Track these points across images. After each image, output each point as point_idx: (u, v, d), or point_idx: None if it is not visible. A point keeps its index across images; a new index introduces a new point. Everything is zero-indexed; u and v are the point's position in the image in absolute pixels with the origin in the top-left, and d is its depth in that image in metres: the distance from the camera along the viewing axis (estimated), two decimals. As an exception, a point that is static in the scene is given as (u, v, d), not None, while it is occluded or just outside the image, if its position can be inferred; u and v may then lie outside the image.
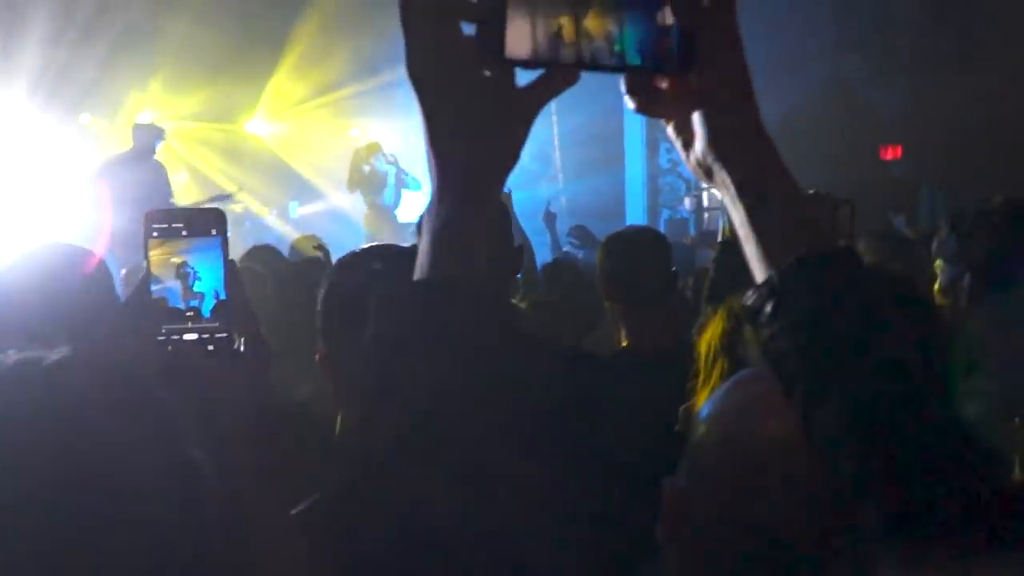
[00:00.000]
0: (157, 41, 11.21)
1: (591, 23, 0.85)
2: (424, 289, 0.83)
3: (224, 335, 1.21)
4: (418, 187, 9.50)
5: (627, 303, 3.00)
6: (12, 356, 0.79)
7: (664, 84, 0.90)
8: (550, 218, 6.70)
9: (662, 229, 10.62)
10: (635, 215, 11.41)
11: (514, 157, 0.86)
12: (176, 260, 1.21)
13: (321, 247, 4.57)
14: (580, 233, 6.82)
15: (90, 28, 10.54)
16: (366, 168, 9.59)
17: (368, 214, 9.63)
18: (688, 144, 0.91)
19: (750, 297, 0.87)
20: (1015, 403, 1.95)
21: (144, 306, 1.18)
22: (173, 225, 1.22)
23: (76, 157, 9.84)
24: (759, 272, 0.88)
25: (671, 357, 2.72)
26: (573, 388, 1.86)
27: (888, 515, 0.79)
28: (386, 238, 9.59)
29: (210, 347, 1.21)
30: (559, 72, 0.85)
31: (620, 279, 3.01)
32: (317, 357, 1.69)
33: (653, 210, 11.71)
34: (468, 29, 0.84)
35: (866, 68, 10.05)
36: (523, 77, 0.86)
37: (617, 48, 0.86)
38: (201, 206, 1.44)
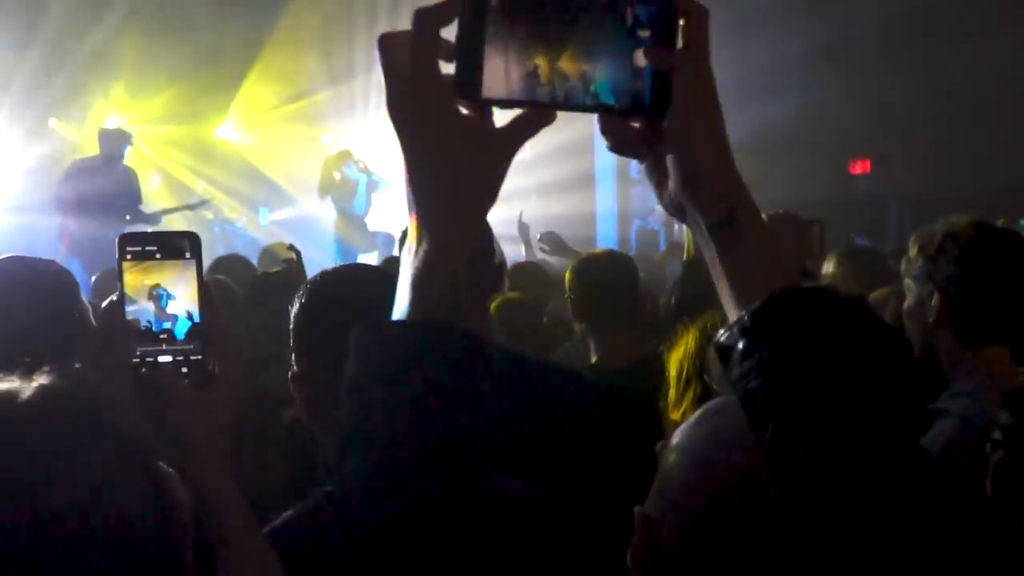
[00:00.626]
0: (127, 46, 11.12)
1: (566, 64, 0.86)
2: (405, 330, 0.84)
3: (199, 357, 1.21)
4: (387, 186, 9.50)
5: (594, 323, 3.06)
6: None
7: (637, 124, 0.92)
8: (524, 228, 6.73)
9: (632, 239, 10.70)
10: (606, 224, 11.47)
11: (492, 197, 0.87)
12: (149, 282, 1.21)
13: (293, 249, 4.55)
14: (551, 239, 6.85)
15: (61, 33, 10.44)
16: (337, 176, 9.57)
17: (339, 222, 9.61)
18: (661, 183, 0.92)
19: (722, 335, 0.89)
20: (982, 424, 1.97)
21: (118, 327, 1.18)
22: (147, 248, 1.22)
23: (44, 162, 9.72)
24: (730, 310, 0.90)
25: (639, 374, 2.76)
26: (548, 413, 1.86)
27: (859, 555, 0.81)
28: (356, 246, 9.60)
29: (184, 369, 1.21)
30: (535, 112, 0.86)
31: (587, 302, 3.08)
32: (290, 374, 1.68)
33: (624, 219, 11.77)
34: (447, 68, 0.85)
35: (834, 84, 10.17)
36: (500, 117, 0.87)
37: (592, 88, 0.87)
38: (176, 230, 1.46)
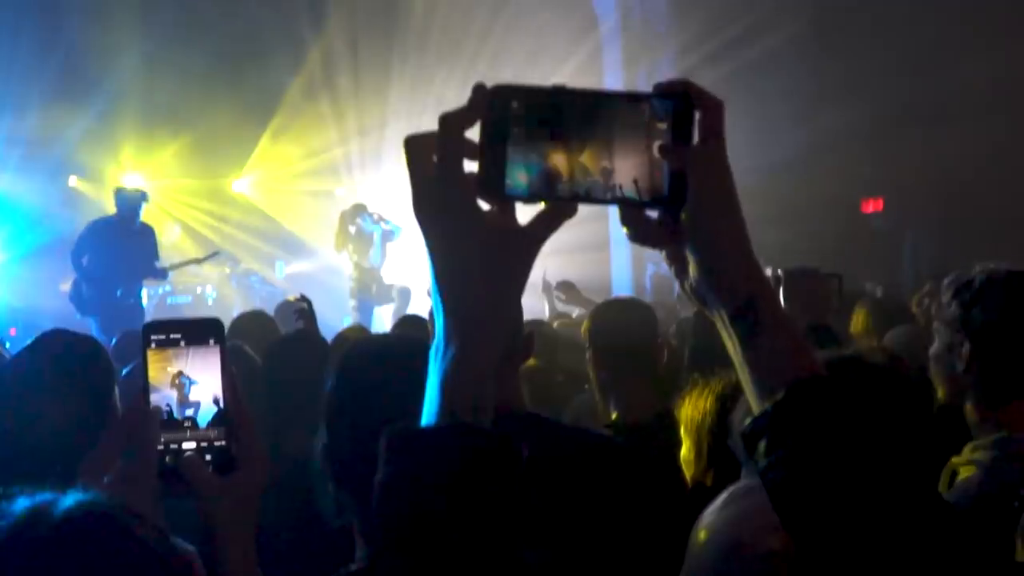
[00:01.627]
0: (146, 102, 11.33)
1: (587, 159, 0.88)
2: (433, 437, 0.84)
3: (222, 443, 1.22)
4: (401, 232, 9.55)
5: (615, 376, 3.01)
6: (21, 503, 0.80)
7: (657, 215, 0.92)
8: (547, 287, 6.76)
9: (647, 284, 10.68)
10: (620, 269, 11.46)
11: (518, 295, 0.88)
12: (173, 370, 1.22)
13: (303, 299, 4.60)
14: (566, 288, 6.88)
15: (82, 88, 10.66)
16: (352, 229, 9.63)
17: (355, 274, 9.65)
18: (682, 272, 0.93)
19: (747, 427, 0.89)
20: (1007, 479, 1.95)
21: (143, 418, 1.19)
22: (171, 336, 1.23)
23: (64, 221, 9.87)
24: (753, 399, 0.90)
25: (661, 427, 2.73)
26: (577, 482, 1.85)
27: None
28: (373, 299, 9.64)
29: (208, 456, 1.22)
30: (557, 207, 0.88)
31: (607, 354, 3.03)
32: (320, 445, 1.70)
33: (638, 264, 11.76)
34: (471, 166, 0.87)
35: (845, 122, 10.21)
36: (523, 213, 0.88)
37: (612, 182, 0.89)
38: (200, 317, 1.48)
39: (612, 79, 11.47)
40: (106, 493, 0.88)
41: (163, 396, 1.22)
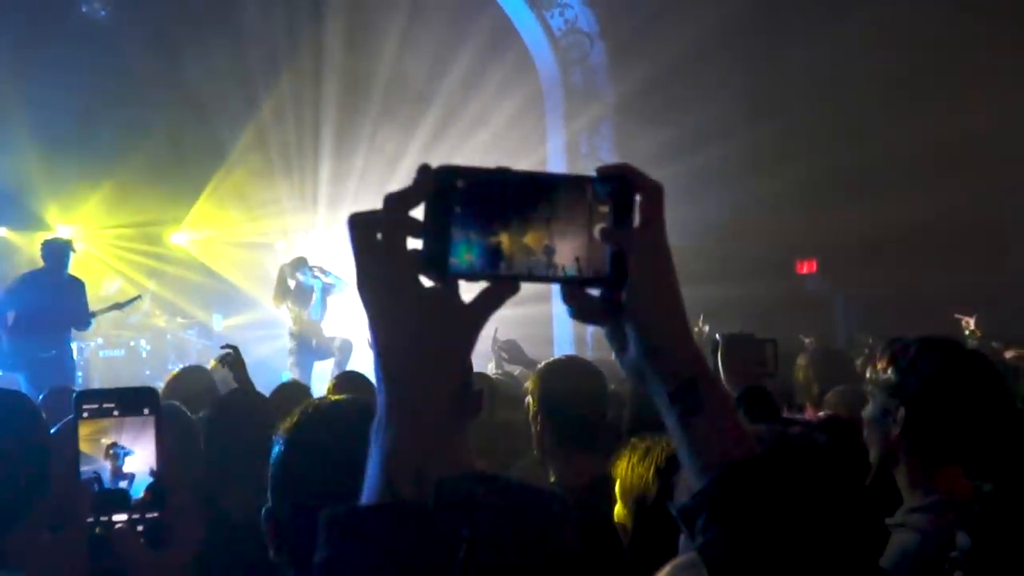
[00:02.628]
0: (81, 154, 11.18)
1: (529, 239, 0.89)
2: (372, 516, 0.83)
3: (155, 515, 1.19)
4: (344, 287, 9.48)
5: (559, 443, 2.98)
6: None
7: (598, 294, 0.94)
8: (497, 345, 6.73)
9: (588, 337, 10.72)
10: (562, 322, 11.49)
11: (461, 371, 0.89)
12: (106, 440, 1.19)
13: (229, 347, 4.54)
14: (510, 347, 6.85)
15: (15, 137, 10.48)
16: (291, 283, 9.53)
17: (295, 329, 9.54)
18: (622, 349, 0.95)
19: (686, 503, 0.90)
20: (942, 540, 1.98)
21: (73, 490, 1.16)
22: (104, 405, 1.20)
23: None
24: (691, 475, 0.91)
25: (597, 493, 2.72)
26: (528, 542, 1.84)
27: None
28: (313, 352, 9.51)
29: (140, 527, 1.18)
30: (500, 285, 0.89)
31: (554, 418, 2.97)
32: (264, 511, 1.67)
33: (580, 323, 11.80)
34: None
35: (777, 186, 10.47)
36: (466, 290, 0.89)
37: (554, 261, 0.90)
38: (134, 386, 1.44)
39: (554, 137, 11.68)
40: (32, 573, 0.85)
41: (96, 466, 1.18)
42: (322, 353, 9.51)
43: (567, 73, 11.55)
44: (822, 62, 10.42)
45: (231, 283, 12.52)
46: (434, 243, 0.87)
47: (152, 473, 1.19)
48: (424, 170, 0.87)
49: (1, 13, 10.68)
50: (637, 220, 0.92)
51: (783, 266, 11.31)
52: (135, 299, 9.58)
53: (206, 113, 11.35)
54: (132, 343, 11.57)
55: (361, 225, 0.86)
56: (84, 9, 11.32)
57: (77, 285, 8.51)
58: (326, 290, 9.52)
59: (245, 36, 11.31)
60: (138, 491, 1.19)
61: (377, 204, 0.88)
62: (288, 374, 9.12)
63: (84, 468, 1.18)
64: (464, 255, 0.87)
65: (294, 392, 4.11)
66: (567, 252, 0.90)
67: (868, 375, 2.34)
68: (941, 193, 9.38)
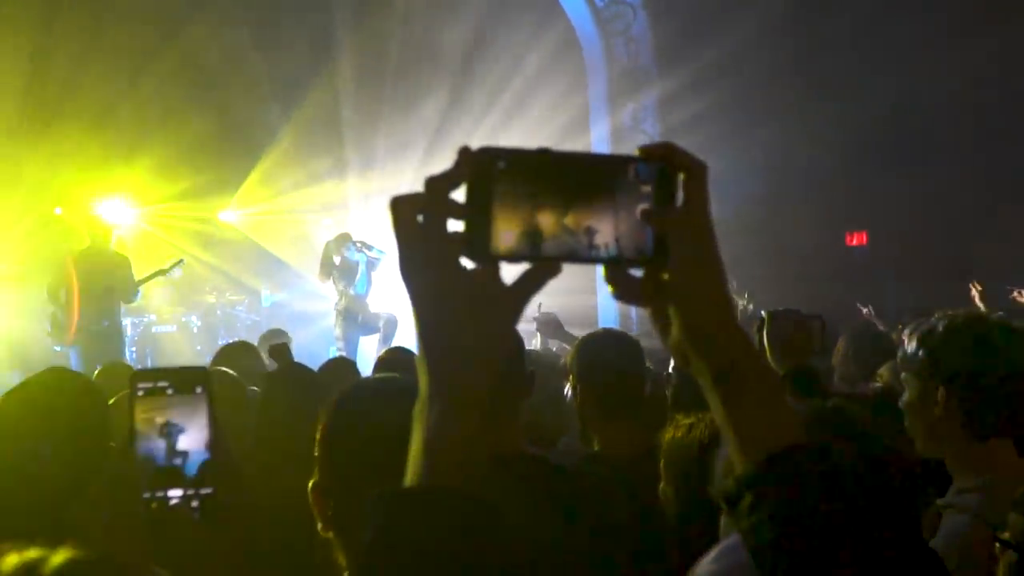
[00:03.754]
0: (130, 128, 11.38)
1: (571, 220, 0.89)
2: (417, 500, 0.84)
3: (208, 491, 1.22)
4: (384, 256, 9.52)
5: (599, 410, 2.99)
6: (9, 562, 0.80)
7: (641, 274, 0.94)
8: (534, 318, 6.68)
9: (633, 316, 10.67)
10: (606, 300, 11.46)
11: (504, 354, 0.88)
12: (160, 419, 1.23)
13: (280, 334, 4.55)
14: (547, 321, 6.79)
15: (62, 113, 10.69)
16: (337, 259, 9.61)
17: (341, 304, 9.62)
18: (665, 330, 0.95)
19: (729, 488, 0.90)
20: (994, 523, 1.95)
21: (130, 468, 1.19)
22: (158, 384, 1.24)
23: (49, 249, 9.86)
24: (734, 455, 0.91)
25: (641, 463, 2.72)
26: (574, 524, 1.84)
27: None
28: (359, 328, 9.60)
29: (194, 503, 1.22)
30: (542, 266, 0.89)
31: (592, 387, 2.99)
32: (310, 484, 1.69)
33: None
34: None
35: (829, 159, 10.31)
36: (508, 272, 0.89)
37: (595, 242, 0.90)
38: (187, 366, 1.45)
39: (597, 112, 11.61)
40: (95, 548, 0.88)
41: (151, 444, 1.22)
42: (368, 328, 9.58)
43: (610, 47, 11.45)
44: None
45: (281, 256, 12.67)
46: (475, 225, 0.87)
47: (205, 450, 1.23)
48: (464, 151, 0.87)
49: None
50: (680, 199, 0.92)
51: (833, 239, 11.16)
52: (178, 262, 9.60)
53: (259, 95, 11.52)
54: (184, 319, 11.78)
55: (402, 208, 0.86)
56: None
57: (122, 260, 8.80)
58: (371, 264, 9.58)
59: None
60: (192, 468, 1.23)
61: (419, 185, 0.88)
62: (335, 350, 9.22)
63: (140, 445, 1.21)
64: (505, 237, 0.87)
65: (341, 368, 4.14)
66: (609, 232, 0.90)
67: (899, 356, 2.30)
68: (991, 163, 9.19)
